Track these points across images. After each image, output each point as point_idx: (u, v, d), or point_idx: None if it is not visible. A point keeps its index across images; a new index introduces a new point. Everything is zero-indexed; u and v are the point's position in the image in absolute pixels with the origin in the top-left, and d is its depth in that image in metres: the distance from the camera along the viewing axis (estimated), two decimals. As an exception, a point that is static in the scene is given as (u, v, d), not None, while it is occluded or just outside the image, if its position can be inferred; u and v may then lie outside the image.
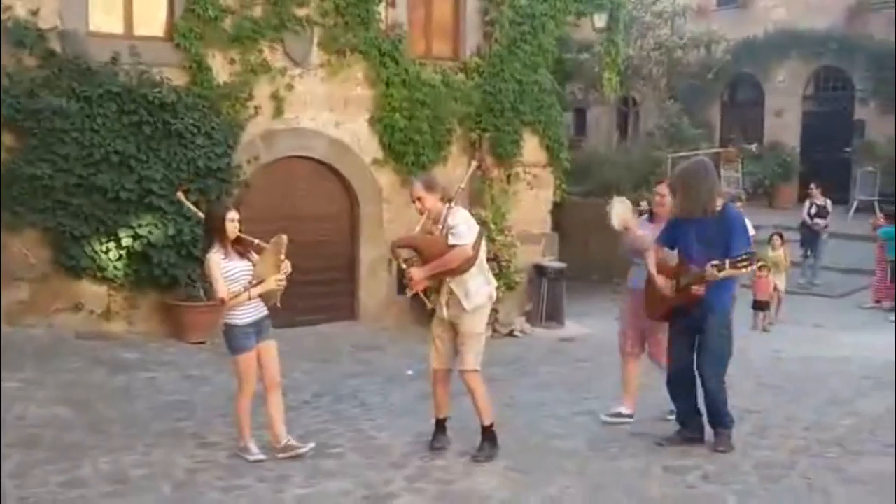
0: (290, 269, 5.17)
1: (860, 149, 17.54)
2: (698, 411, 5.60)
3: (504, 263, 9.96)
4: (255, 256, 5.23)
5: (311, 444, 5.30)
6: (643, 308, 5.78)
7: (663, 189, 5.70)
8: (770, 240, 11.50)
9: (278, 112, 9.55)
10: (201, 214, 5.75)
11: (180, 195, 6.80)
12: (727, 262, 5.11)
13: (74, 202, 8.37)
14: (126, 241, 8.59)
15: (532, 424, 5.90)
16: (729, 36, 18.85)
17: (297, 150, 9.82)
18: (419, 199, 5.26)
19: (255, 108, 9.35)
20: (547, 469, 5.16)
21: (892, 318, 11.29)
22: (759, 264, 10.28)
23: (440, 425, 5.48)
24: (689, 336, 5.49)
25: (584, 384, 7.29)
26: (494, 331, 10.14)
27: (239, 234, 5.17)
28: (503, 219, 10.95)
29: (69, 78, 8.33)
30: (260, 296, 5.16)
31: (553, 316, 11.05)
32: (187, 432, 5.79)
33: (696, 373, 5.47)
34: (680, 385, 5.58)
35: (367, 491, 4.78)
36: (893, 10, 17.08)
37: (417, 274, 5.20)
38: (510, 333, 10.17)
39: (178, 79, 8.92)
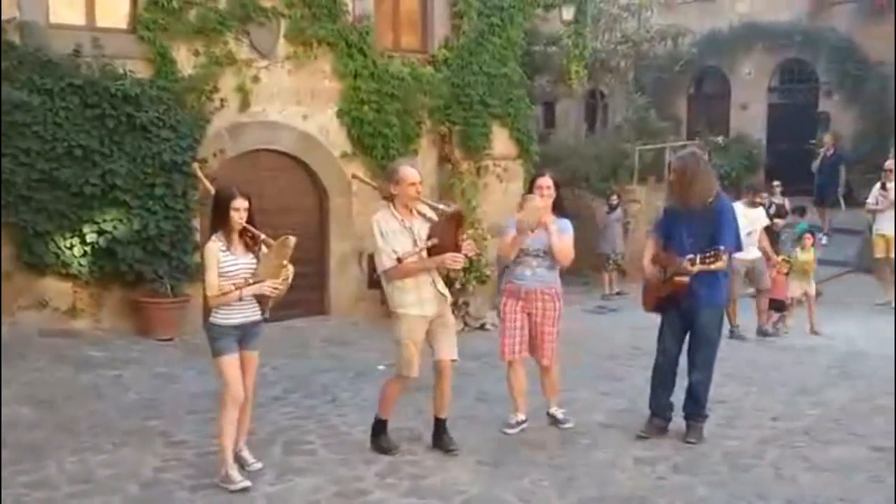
0: (291, 275, 4.72)
1: (825, 141, 17.75)
2: (672, 404, 5.66)
3: (475, 257, 9.93)
4: (263, 252, 4.75)
5: (260, 464, 4.91)
6: (525, 306, 5.64)
7: (550, 182, 5.60)
8: (800, 238, 10.43)
9: (244, 105, 9.44)
10: (211, 191, 5.36)
11: (196, 167, 6.16)
12: (698, 257, 5.14)
13: (37, 197, 8.21)
14: (90, 237, 8.45)
15: (504, 418, 5.89)
16: (695, 29, 18.99)
17: (264, 144, 9.72)
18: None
19: (221, 100, 9.23)
20: (519, 462, 5.17)
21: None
22: (781, 262, 9.92)
23: (386, 428, 5.37)
24: (680, 329, 5.54)
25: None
26: (465, 324, 10.14)
27: (246, 225, 4.66)
28: (473, 212, 10.93)
29: (30, 70, 8.16)
30: (257, 299, 4.69)
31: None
32: (155, 431, 5.70)
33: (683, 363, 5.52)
34: (664, 375, 5.62)
35: (339, 487, 4.74)
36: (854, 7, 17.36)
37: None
38: (481, 327, 10.17)
39: (142, 71, 8.77)
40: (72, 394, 6.58)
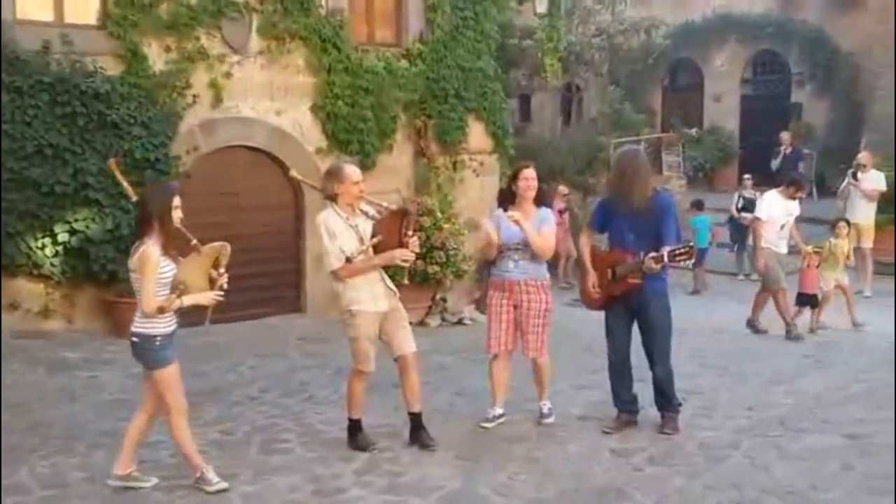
0: (225, 284, 4.56)
1: (797, 131, 17.93)
2: (635, 396, 5.70)
3: (452, 251, 9.94)
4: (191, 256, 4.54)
5: (155, 480, 4.70)
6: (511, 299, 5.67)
7: (533, 174, 5.63)
8: (834, 226, 9.83)
9: (217, 101, 9.36)
10: (132, 194, 5.04)
11: (112, 164, 5.74)
12: (665, 254, 5.17)
13: (7, 197, 8.09)
14: (62, 237, 8.35)
15: (481, 413, 5.90)
16: (668, 21, 19.09)
17: (238, 140, 9.64)
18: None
19: (193, 96, 9.15)
20: (497, 456, 5.18)
21: None
22: (812, 254, 9.38)
23: (360, 426, 5.36)
24: (626, 323, 5.58)
25: (527, 370, 7.34)
26: (443, 319, 10.15)
27: (182, 228, 4.49)
28: (450, 206, 10.93)
29: (-3, 68, 8.04)
30: (193, 308, 4.49)
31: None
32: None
33: (636, 358, 5.55)
34: (620, 372, 5.67)
35: (316, 485, 4.73)
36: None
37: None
38: (459, 322, 10.18)
39: (113, 68, 8.66)
40: (45, 396, 6.51)
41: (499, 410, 5.78)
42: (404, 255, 5.12)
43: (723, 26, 19.37)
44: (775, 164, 14.99)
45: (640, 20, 18.68)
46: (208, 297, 4.53)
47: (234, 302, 9.36)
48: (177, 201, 4.47)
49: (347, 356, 7.35)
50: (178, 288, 4.40)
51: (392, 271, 5.41)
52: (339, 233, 5.05)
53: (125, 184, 5.33)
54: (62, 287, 8.52)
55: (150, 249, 4.36)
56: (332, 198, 5.14)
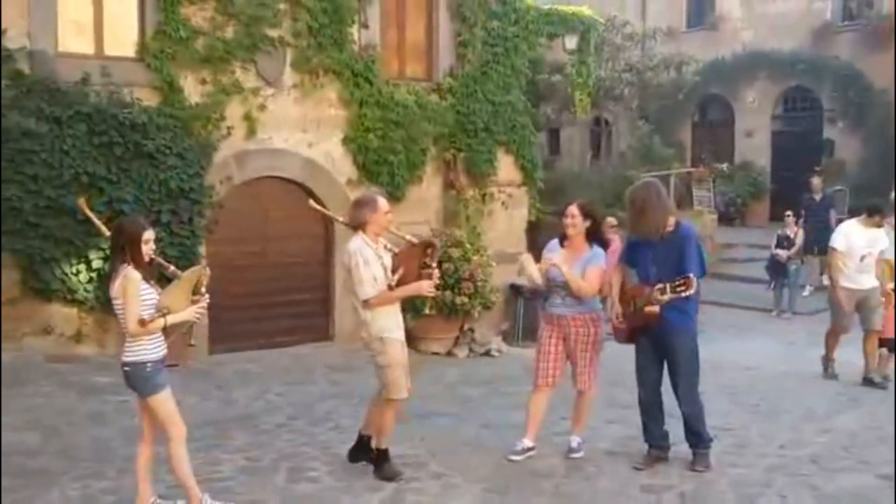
0: (207, 304, 4.62)
1: (829, 168, 17.80)
2: (666, 432, 5.64)
3: (480, 283, 9.94)
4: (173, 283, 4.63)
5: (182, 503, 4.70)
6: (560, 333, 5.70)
7: (575, 210, 5.65)
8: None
9: (251, 132, 9.50)
10: (105, 230, 5.08)
11: (82, 204, 5.84)
12: (668, 286, 5.15)
13: (44, 224, 8.24)
14: (96, 263, 8.47)
15: (508, 445, 5.86)
16: (698, 57, 19.12)
17: (270, 171, 9.76)
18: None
19: (228, 128, 9.30)
20: (524, 490, 5.13)
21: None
22: (892, 294, 8.20)
23: (388, 455, 5.35)
24: (654, 358, 5.53)
25: (559, 404, 7.26)
26: (471, 350, 10.12)
27: (156, 257, 4.60)
28: (479, 238, 10.96)
29: (38, 98, 8.23)
30: (166, 330, 4.47)
31: (530, 335, 11.01)
32: (159, 457, 5.64)
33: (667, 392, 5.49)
34: (649, 408, 5.62)
35: (343, 515, 4.71)
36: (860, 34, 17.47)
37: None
38: (486, 353, 10.14)
39: (150, 99, 8.85)
40: (75, 420, 6.57)
41: (528, 443, 5.73)
42: (430, 287, 5.20)
43: (753, 63, 19.34)
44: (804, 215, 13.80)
45: (670, 56, 18.74)
46: (190, 314, 4.54)
47: (264, 330, 9.57)
48: (147, 235, 4.50)
49: (371, 386, 7.36)
50: (161, 311, 4.40)
51: (413, 302, 5.45)
52: (371, 262, 5.10)
53: (97, 222, 5.39)
54: (95, 312, 8.62)
55: (131, 273, 4.39)
56: (362, 227, 5.20)
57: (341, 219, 5.41)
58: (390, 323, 5.17)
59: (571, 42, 13.19)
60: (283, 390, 7.78)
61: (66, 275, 8.39)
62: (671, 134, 19.70)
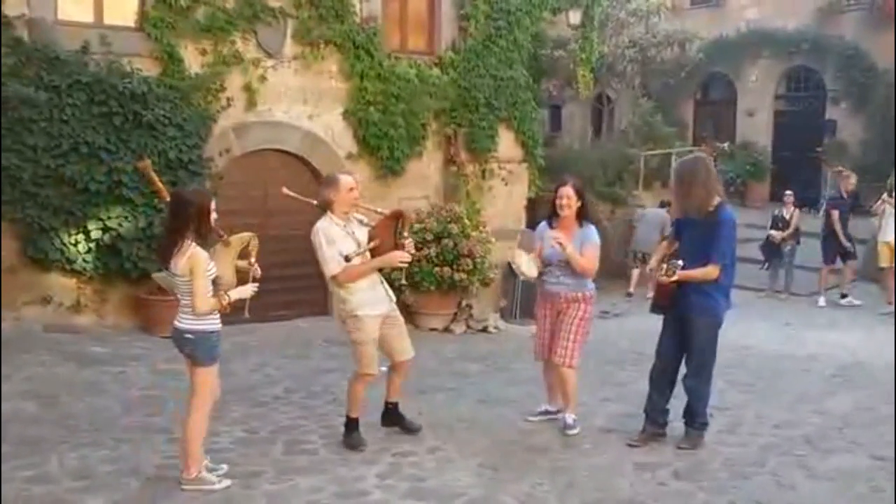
0: (259, 274, 4.66)
1: (831, 149, 17.73)
2: (667, 410, 5.66)
3: (479, 259, 9.95)
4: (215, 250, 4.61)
5: (228, 483, 4.68)
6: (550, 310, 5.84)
7: (570, 192, 5.65)
8: None
9: (251, 104, 9.46)
10: (166, 195, 4.99)
11: (146, 165, 5.56)
12: (666, 266, 5.22)
13: (43, 193, 8.24)
14: (95, 234, 8.47)
15: (505, 421, 5.90)
16: (702, 35, 18.97)
17: (270, 143, 9.74)
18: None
19: (228, 99, 9.25)
20: (520, 466, 5.16)
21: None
22: None
23: (357, 425, 5.42)
24: (675, 334, 5.53)
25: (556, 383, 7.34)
26: (468, 326, 10.16)
27: (216, 228, 4.59)
28: (478, 214, 10.96)
29: (37, 67, 8.19)
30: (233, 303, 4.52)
31: (527, 312, 11.03)
32: (156, 427, 5.71)
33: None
34: (661, 379, 5.62)
35: (339, 488, 4.75)
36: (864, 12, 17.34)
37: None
38: (484, 329, 10.17)
39: (149, 69, 8.80)
40: (74, 389, 6.60)
41: (546, 407, 5.96)
42: (403, 257, 5.24)
43: (757, 41, 19.18)
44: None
45: (674, 33, 18.58)
46: (249, 290, 4.62)
47: (263, 303, 9.52)
48: (213, 204, 4.52)
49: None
50: (219, 284, 4.46)
51: (413, 277, 5.49)
52: (338, 239, 5.17)
53: (160, 185, 5.30)
54: (94, 283, 8.65)
55: (198, 250, 4.38)
56: (329, 206, 5.27)
57: (315, 202, 5.42)
58: (365, 300, 5.24)
59: (575, 17, 13.11)
60: (281, 363, 7.82)
61: (65, 245, 8.40)
62: (673, 112, 19.58)
